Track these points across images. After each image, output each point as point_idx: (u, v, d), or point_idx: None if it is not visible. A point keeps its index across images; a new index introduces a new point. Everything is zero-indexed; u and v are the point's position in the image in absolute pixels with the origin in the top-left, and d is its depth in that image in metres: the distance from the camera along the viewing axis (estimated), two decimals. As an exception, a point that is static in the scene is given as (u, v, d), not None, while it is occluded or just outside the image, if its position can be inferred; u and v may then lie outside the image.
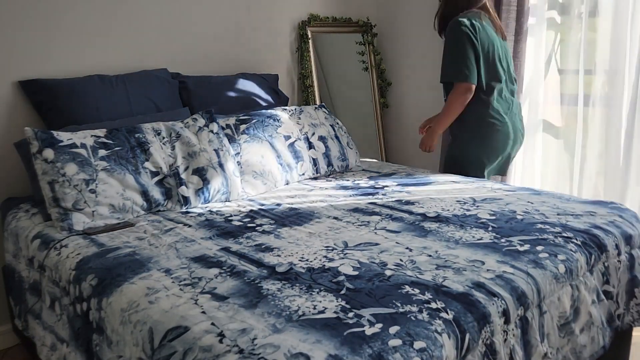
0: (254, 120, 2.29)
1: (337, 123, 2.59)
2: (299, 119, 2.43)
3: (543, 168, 2.92)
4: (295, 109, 2.48)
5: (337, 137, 2.51)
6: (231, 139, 2.18)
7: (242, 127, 2.24)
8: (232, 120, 2.26)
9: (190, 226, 1.79)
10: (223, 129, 2.20)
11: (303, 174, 2.34)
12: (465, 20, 2.29)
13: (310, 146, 2.39)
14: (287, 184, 2.29)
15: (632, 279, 1.77)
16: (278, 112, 2.40)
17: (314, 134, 2.42)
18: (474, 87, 2.29)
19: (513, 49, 2.80)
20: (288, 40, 3.10)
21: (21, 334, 2.03)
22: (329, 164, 2.44)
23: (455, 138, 2.46)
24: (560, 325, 1.48)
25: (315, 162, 2.38)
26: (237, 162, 2.14)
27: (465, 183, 2.23)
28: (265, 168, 2.20)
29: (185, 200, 1.96)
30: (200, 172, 2.00)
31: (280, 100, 2.85)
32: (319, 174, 2.41)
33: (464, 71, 2.26)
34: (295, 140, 2.34)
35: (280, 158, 2.26)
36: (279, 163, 2.25)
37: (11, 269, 1.97)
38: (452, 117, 2.36)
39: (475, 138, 2.39)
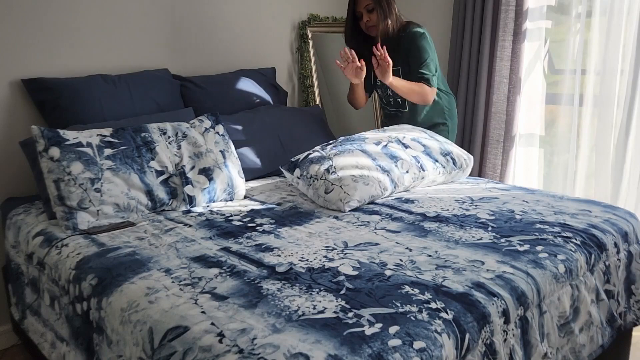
0: (340, 141, 2.19)
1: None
2: (384, 131, 2.31)
3: (536, 168, 2.93)
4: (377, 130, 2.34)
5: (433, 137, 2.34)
6: (322, 159, 2.05)
7: (329, 147, 2.14)
8: (318, 147, 2.15)
9: (190, 226, 1.79)
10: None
11: (407, 172, 2.11)
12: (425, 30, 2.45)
13: (406, 146, 2.20)
14: (392, 183, 2.06)
15: (627, 276, 1.77)
16: (362, 134, 2.27)
17: (404, 137, 2.25)
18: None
19: (511, 50, 2.81)
20: (288, 40, 3.11)
21: (21, 334, 2.03)
22: (435, 160, 2.21)
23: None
24: (560, 325, 1.49)
25: (417, 159, 2.16)
26: (333, 172, 1.97)
27: (459, 183, 2.24)
28: (364, 172, 2.00)
29: (191, 200, 1.96)
30: (206, 172, 2.00)
31: (279, 94, 2.86)
32: (425, 171, 2.17)
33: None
34: (387, 143, 2.17)
35: (377, 161, 2.07)
36: (376, 165, 2.05)
37: (9, 259, 1.99)
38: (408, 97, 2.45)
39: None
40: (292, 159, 2.15)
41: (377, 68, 2.28)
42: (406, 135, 2.26)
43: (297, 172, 2.07)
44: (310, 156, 2.09)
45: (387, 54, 2.25)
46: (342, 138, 2.23)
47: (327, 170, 1.99)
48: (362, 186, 1.95)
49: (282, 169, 2.16)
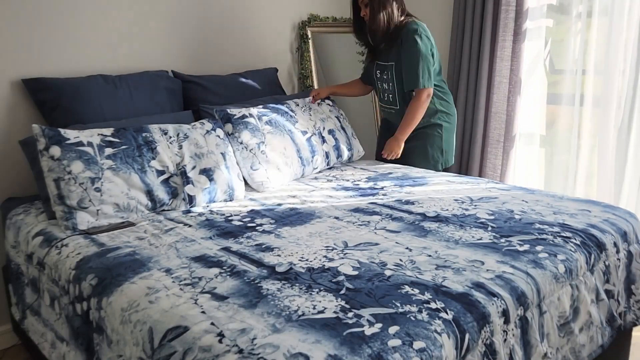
0: (275, 114, 2.38)
1: (342, 114, 2.71)
2: (310, 115, 2.54)
3: (536, 168, 2.93)
4: (305, 105, 2.58)
5: (343, 128, 2.64)
6: (255, 128, 2.25)
7: (265, 118, 2.32)
8: (254, 111, 2.33)
9: (190, 226, 1.79)
10: (245, 117, 2.26)
11: (316, 168, 2.45)
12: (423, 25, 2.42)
13: (323, 140, 2.50)
14: (302, 176, 2.41)
15: (627, 276, 1.77)
16: (293, 107, 2.51)
17: (324, 128, 2.55)
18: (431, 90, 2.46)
19: (512, 50, 2.81)
20: (288, 40, 3.11)
21: (21, 334, 2.03)
22: (339, 156, 2.57)
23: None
24: (560, 325, 1.49)
25: (327, 155, 2.51)
26: (262, 151, 2.22)
27: (460, 183, 2.24)
28: (288, 160, 2.30)
29: (191, 199, 1.97)
30: (207, 173, 2.01)
31: (281, 94, 2.86)
32: (329, 166, 2.56)
33: (426, 77, 2.40)
34: (312, 136, 2.46)
35: (300, 152, 2.37)
36: (298, 157, 2.36)
37: (9, 259, 1.99)
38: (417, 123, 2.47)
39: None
40: (228, 111, 2.27)
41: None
42: (325, 127, 2.54)
43: (230, 127, 2.21)
44: (246, 119, 2.26)
45: (389, 151, 2.49)
46: (274, 107, 2.42)
47: (258, 145, 2.20)
48: (279, 175, 2.25)
49: (211, 112, 2.29)
